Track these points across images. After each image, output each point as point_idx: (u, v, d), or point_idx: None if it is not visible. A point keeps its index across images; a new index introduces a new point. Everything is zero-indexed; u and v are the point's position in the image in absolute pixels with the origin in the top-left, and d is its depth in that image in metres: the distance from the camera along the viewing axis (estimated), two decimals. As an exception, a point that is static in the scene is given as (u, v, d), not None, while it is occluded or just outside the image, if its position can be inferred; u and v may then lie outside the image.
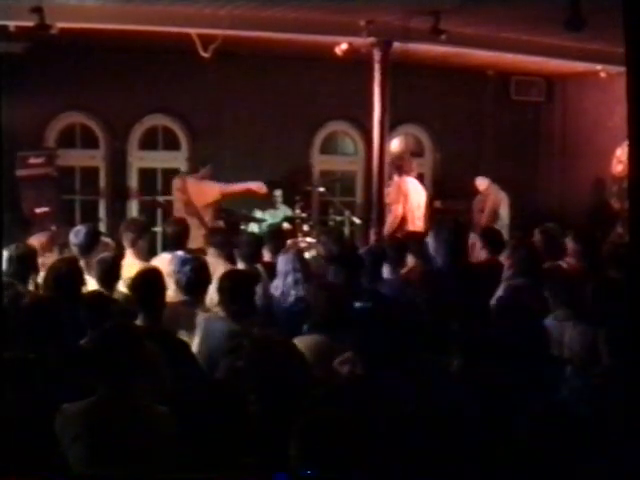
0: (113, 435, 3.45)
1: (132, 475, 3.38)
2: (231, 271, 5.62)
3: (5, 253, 5.66)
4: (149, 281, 5.00)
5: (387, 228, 9.31)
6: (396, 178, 9.63)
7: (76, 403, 3.55)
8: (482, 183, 10.56)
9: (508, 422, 3.30)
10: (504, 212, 10.30)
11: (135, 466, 3.38)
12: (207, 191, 9.09)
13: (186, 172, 10.02)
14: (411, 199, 9.63)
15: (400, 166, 9.80)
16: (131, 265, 6.14)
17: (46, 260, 6.16)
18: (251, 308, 5.03)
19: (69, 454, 3.49)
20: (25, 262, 5.69)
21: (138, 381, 3.57)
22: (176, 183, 9.43)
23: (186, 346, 4.76)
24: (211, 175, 9.23)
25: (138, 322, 4.82)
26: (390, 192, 9.68)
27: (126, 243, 6.72)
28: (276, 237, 7.38)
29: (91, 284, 5.66)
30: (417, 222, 9.58)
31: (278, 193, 10.27)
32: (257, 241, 6.77)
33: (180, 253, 6.50)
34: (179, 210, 9.14)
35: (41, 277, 5.87)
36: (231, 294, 4.99)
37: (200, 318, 5.14)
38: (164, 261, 6.36)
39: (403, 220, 9.55)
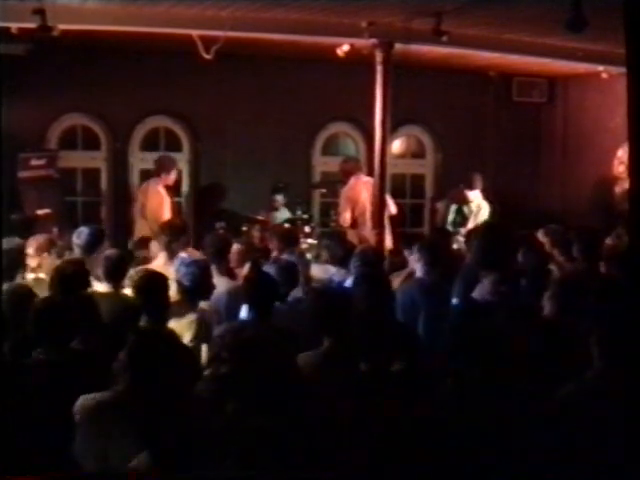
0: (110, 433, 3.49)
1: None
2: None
3: None
4: (154, 284, 5.02)
5: None
6: (350, 182, 9.70)
7: (90, 396, 3.64)
8: (474, 194, 10.27)
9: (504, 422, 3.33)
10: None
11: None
12: (157, 196, 9.22)
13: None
14: (360, 204, 9.61)
15: (348, 171, 9.82)
16: (161, 268, 6.20)
17: (43, 261, 6.20)
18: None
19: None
20: (13, 258, 5.70)
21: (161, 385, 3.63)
22: (142, 186, 9.71)
23: (188, 350, 4.77)
24: (170, 182, 9.42)
25: (142, 323, 4.85)
26: (340, 200, 9.85)
27: (160, 246, 6.79)
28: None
29: (96, 285, 5.68)
30: (369, 223, 9.24)
31: (280, 196, 10.30)
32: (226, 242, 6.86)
33: (184, 255, 6.55)
34: (137, 212, 9.45)
35: (30, 276, 5.92)
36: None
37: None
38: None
39: (353, 227, 9.55)
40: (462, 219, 10.16)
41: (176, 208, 9.69)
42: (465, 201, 10.09)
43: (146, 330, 4.06)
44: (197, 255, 6.60)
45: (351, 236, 9.13)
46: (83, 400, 3.66)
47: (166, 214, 9.02)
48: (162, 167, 9.43)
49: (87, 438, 3.60)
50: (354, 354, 4.17)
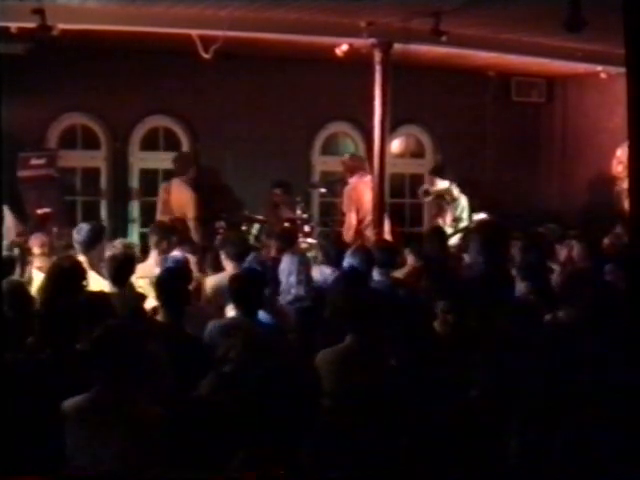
0: (95, 433, 3.48)
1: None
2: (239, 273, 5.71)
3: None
4: (173, 279, 5.05)
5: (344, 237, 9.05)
6: (351, 181, 9.58)
7: (73, 399, 3.60)
8: (443, 183, 10.25)
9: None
10: (464, 214, 10.15)
11: (115, 464, 3.41)
12: (183, 193, 9.34)
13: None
14: (365, 206, 9.31)
15: (351, 168, 9.70)
16: (151, 266, 6.31)
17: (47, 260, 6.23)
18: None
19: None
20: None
21: (136, 382, 3.61)
22: (165, 183, 9.84)
23: (201, 345, 4.79)
24: (193, 178, 9.57)
25: (159, 318, 4.87)
26: (343, 200, 9.66)
27: (151, 244, 6.89)
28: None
29: (92, 282, 5.70)
30: (369, 227, 9.11)
31: (279, 191, 10.26)
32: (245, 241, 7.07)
33: (175, 253, 6.63)
34: (159, 209, 9.55)
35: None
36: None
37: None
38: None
39: (358, 228, 9.34)
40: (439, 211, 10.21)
41: (200, 204, 9.60)
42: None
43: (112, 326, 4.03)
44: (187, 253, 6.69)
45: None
46: (66, 404, 3.63)
47: (193, 209, 9.21)
48: (185, 164, 9.66)
49: (74, 440, 3.58)
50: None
